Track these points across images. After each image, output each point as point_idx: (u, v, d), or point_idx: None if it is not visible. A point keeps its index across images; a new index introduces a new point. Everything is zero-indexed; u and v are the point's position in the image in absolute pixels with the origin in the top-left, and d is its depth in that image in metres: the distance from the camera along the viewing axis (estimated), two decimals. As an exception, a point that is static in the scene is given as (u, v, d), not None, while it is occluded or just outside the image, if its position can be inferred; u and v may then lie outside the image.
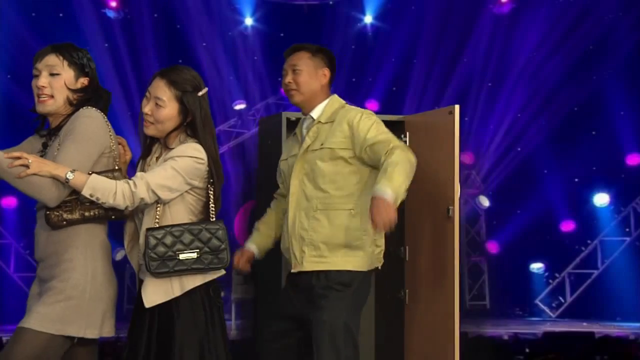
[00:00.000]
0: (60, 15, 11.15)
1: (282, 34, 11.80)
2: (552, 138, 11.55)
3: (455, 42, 11.63)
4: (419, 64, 11.75)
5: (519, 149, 11.75)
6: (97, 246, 2.98)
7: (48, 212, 2.89)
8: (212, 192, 3.03)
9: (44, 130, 3.13)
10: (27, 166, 2.81)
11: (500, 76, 11.74)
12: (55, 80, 3.06)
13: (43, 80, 3.06)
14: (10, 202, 11.20)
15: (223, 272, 3.04)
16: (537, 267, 11.85)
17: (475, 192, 11.89)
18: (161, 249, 2.91)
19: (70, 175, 2.83)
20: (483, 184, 11.93)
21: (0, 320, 9.83)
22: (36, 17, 10.90)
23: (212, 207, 3.03)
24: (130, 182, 2.91)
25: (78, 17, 11.10)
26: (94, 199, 2.86)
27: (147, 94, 3.07)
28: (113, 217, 2.99)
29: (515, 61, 11.70)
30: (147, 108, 3.04)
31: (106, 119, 3.05)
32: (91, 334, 2.91)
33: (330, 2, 11.89)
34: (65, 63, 3.13)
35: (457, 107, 3.95)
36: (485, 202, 11.90)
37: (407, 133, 4.37)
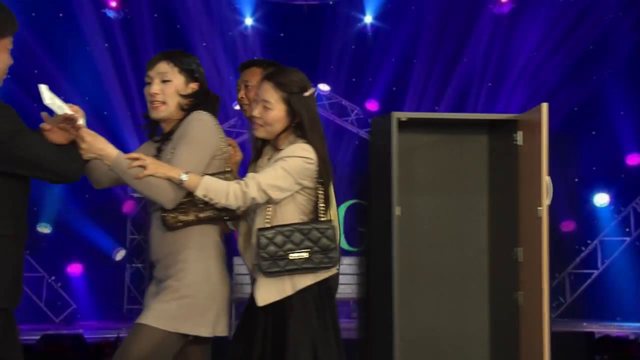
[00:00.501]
0: (60, 15, 11.16)
1: (282, 34, 11.81)
2: (552, 138, 11.52)
3: (455, 42, 11.63)
4: (419, 64, 11.75)
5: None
6: (210, 246, 3.04)
7: (164, 214, 2.97)
8: (321, 192, 3.06)
9: (157, 135, 3.20)
10: (144, 167, 2.89)
11: (500, 76, 11.74)
12: (167, 87, 3.11)
13: (155, 87, 3.11)
14: (10, 202, 11.20)
15: (334, 271, 3.08)
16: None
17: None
18: (272, 248, 2.96)
19: (184, 177, 2.90)
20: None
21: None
22: (36, 17, 10.91)
23: (321, 206, 3.06)
24: (242, 182, 2.97)
25: (78, 17, 11.11)
26: (207, 199, 2.93)
27: (256, 97, 3.14)
28: (226, 218, 3.05)
29: (515, 61, 11.70)
30: (256, 111, 3.09)
31: (216, 122, 3.10)
32: (204, 332, 2.96)
33: (330, 2, 11.89)
34: (176, 70, 3.15)
35: (544, 105, 3.91)
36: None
37: (521, 132, 4.27)
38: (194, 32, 11.48)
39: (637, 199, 11.66)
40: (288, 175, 2.97)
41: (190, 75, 3.18)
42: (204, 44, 11.59)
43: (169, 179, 2.90)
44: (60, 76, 11.13)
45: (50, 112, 2.93)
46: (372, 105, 11.98)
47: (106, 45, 11.33)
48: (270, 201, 2.99)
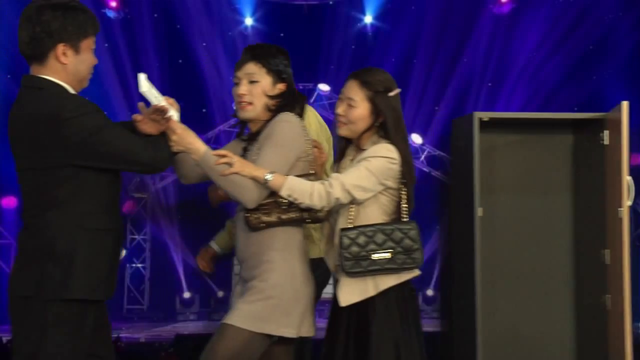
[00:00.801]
0: (60, 15, 11.15)
1: (282, 34, 11.79)
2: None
3: (455, 42, 11.62)
4: (419, 64, 11.74)
5: (519, 149, 11.76)
6: (294, 247, 3.07)
7: (247, 215, 3.01)
8: (404, 193, 3.06)
9: (245, 135, 3.25)
10: (230, 164, 2.93)
11: (500, 76, 11.74)
12: (254, 88, 3.14)
13: (243, 88, 3.14)
14: (10, 202, 11.21)
15: (417, 272, 3.09)
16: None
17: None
18: (355, 248, 2.97)
19: (269, 177, 2.94)
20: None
21: (0, 320, 9.83)
22: (36, 17, 10.89)
23: (404, 207, 3.06)
24: (326, 182, 2.99)
25: (78, 17, 11.10)
26: (291, 199, 2.96)
27: (341, 95, 3.16)
28: (308, 220, 3.07)
29: (515, 61, 11.69)
30: (340, 109, 3.12)
31: (303, 124, 3.14)
32: (289, 333, 3.00)
33: (330, 2, 11.88)
34: (264, 70, 3.18)
35: (624, 104, 3.88)
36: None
37: (607, 131, 4.23)
38: (194, 32, 11.47)
39: (637, 199, 11.64)
40: (371, 175, 2.99)
41: (277, 76, 3.19)
42: (204, 44, 11.58)
43: (254, 179, 2.94)
44: (60, 76, 11.14)
45: (147, 102, 2.99)
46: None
47: (106, 45, 11.32)
48: (354, 201, 3.02)
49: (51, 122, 2.69)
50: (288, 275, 3.00)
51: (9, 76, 10.94)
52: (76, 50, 2.82)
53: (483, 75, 11.78)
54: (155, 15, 11.42)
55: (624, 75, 11.31)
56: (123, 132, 2.85)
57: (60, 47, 2.81)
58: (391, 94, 3.10)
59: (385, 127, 3.08)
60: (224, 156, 2.95)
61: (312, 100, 11.99)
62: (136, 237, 11.60)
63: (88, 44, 2.86)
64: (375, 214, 3.04)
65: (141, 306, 11.18)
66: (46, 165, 2.74)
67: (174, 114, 2.97)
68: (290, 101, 3.17)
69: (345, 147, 3.21)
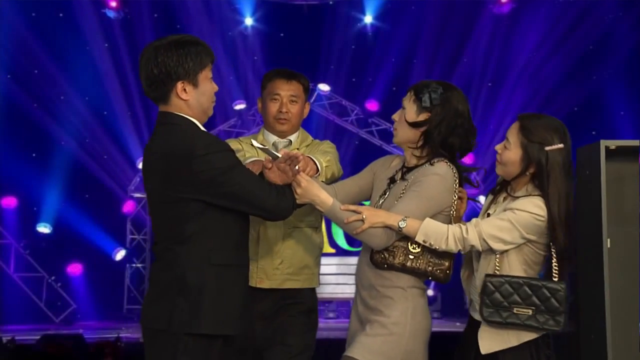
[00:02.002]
0: (60, 15, 11.16)
1: (282, 34, 11.81)
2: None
3: (455, 42, 11.64)
4: (419, 64, 11.75)
5: (519, 149, 11.76)
6: (416, 286, 3.05)
7: (374, 252, 3.01)
8: (554, 250, 2.95)
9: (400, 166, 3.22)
10: (362, 220, 2.92)
11: (500, 76, 11.75)
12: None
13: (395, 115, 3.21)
14: (10, 202, 11.21)
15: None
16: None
17: (474, 192, 11.89)
18: (497, 297, 2.91)
19: (402, 224, 2.91)
20: (483, 184, 11.92)
21: (0, 321, 9.84)
22: (36, 17, 10.91)
23: (555, 266, 2.95)
24: (464, 227, 2.93)
25: (78, 17, 11.11)
26: (427, 244, 2.92)
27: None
28: (430, 277, 3.02)
29: (515, 61, 11.70)
30: (497, 146, 3.08)
31: (456, 175, 3.06)
32: None
33: (330, 2, 11.89)
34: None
35: None
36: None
37: None
38: (194, 32, 11.46)
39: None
40: (514, 229, 2.90)
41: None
42: (204, 44, 11.58)
43: (387, 227, 2.93)
44: (60, 76, 11.14)
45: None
46: (372, 105, 11.97)
47: (106, 45, 11.33)
48: (492, 250, 2.94)
49: (183, 158, 2.76)
50: (409, 313, 3.00)
51: (9, 76, 10.94)
52: (195, 84, 2.88)
53: (483, 75, 11.79)
54: (155, 15, 11.43)
55: (624, 75, 11.32)
56: (252, 175, 2.92)
57: (180, 85, 2.86)
58: (548, 148, 2.93)
59: (538, 178, 2.95)
60: (353, 212, 2.94)
61: (312, 100, 12.01)
62: (136, 237, 11.60)
63: (205, 75, 2.91)
64: (515, 263, 2.95)
65: (141, 306, 11.18)
66: (176, 200, 2.81)
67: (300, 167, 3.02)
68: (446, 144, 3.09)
69: (505, 182, 3.10)
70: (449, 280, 3.04)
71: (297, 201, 3.00)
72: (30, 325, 9.92)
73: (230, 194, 2.80)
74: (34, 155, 11.18)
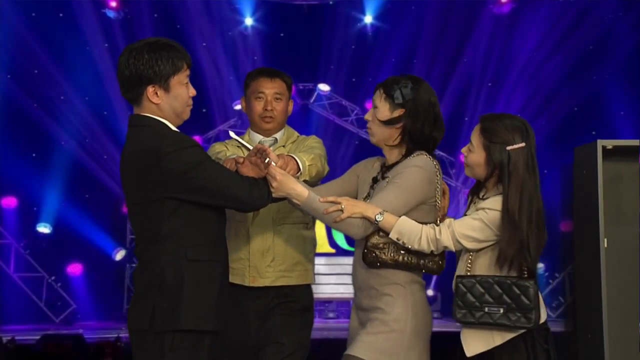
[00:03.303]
0: (60, 15, 11.16)
1: (282, 34, 11.80)
2: (552, 138, 11.56)
3: (455, 42, 11.63)
4: (419, 64, 11.75)
5: (519, 149, 11.76)
6: (415, 281, 3.03)
7: (365, 251, 3.00)
8: (517, 248, 2.89)
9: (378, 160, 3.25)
10: (341, 210, 2.93)
11: (500, 76, 11.74)
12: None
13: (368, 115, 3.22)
14: (10, 202, 11.21)
15: (545, 317, 2.94)
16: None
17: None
18: (469, 298, 2.90)
19: (379, 218, 2.91)
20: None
21: (0, 320, 9.84)
22: (36, 17, 10.91)
23: (523, 264, 2.91)
24: (437, 228, 2.93)
25: (78, 17, 11.11)
26: (400, 243, 2.92)
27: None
28: (424, 270, 3.01)
29: (515, 61, 11.70)
30: (464, 148, 3.07)
31: (437, 166, 3.05)
32: None
33: (330, 2, 11.89)
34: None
35: None
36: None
37: None
38: (194, 32, 11.47)
39: None
40: (486, 227, 2.90)
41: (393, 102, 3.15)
42: (204, 44, 11.58)
43: (365, 218, 2.93)
44: (60, 76, 11.14)
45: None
46: (371, 105, 11.96)
47: (106, 45, 11.33)
48: (466, 251, 2.94)
49: (152, 157, 2.76)
50: (410, 310, 2.97)
51: (9, 76, 10.94)
52: (166, 89, 2.87)
53: (483, 75, 11.79)
54: (155, 15, 11.43)
55: (624, 75, 11.32)
56: (222, 168, 2.93)
57: (150, 89, 2.85)
58: (509, 147, 2.92)
59: (501, 178, 2.94)
60: (332, 203, 2.95)
61: (312, 100, 12.01)
62: (136, 237, 11.59)
63: (179, 80, 2.90)
64: (487, 262, 2.93)
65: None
66: (149, 200, 2.81)
67: (273, 160, 3.00)
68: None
69: (479, 184, 3.07)
70: (443, 269, 3.03)
71: (274, 195, 2.98)
72: (30, 325, 9.92)
73: (201, 188, 2.79)
74: (34, 155, 11.17)
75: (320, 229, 11.67)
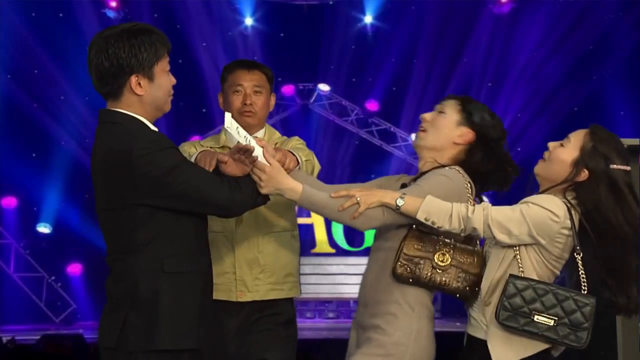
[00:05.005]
0: (60, 15, 11.16)
1: (282, 34, 11.81)
2: (552, 138, 11.47)
3: (455, 42, 11.64)
4: (419, 64, 11.76)
5: (518, 149, 11.76)
6: (424, 305, 2.76)
7: (399, 263, 2.70)
8: (579, 260, 2.66)
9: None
10: (358, 204, 2.64)
11: (500, 76, 11.75)
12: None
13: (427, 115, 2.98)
14: (10, 202, 11.21)
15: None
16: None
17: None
18: (518, 301, 2.61)
19: (400, 202, 2.63)
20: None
21: (0, 320, 9.84)
22: (36, 17, 10.91)
23: (582, 276, 2.66)
24: (470, 207, 2.63)
25: (78, 17, 11.12)
26: (429, 223, 2.62)
27: None
28: (457, 296, 2.72)
29: (515, 61, 11.71)
30: (552, 143, 2.88)
31: (468, 183, 2.78)
32: None
33: (330, 2, 11.89)
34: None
35: None
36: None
37: None
38: (194, 32, 11.48)
39: (637, 199, 11.63)
40: (524, 222, 2.60)
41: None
42: (204, 44, 11.58)
43: (385, 205, 2.64)
44: (60, 76, 11.14)
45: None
46: (372, 105, 11.97)
47: (106, 45, 11.32)
48: (495, 241, 2.65)
49: (123, 159, 2.49)
50: (413, 335, 2.70)
51: (9, 76, 10.94)
52: (150, 78, 2.60)
53: (483, 75, 11.79)
54: (155, 15, 11.43)
55: (624, 75, 11.32)
56: (200, 171, 2.64)
57: (134, 79, 2.58)
58: (614, 166, 2.67)
59: (581, 187, 2.68)
60: (345, 197, 2.66)
61: (312, 100, 12.02)
62: (136, 237, 11.59)
63: (162, 67, 2.65)
64: (530, 269, 2.67)
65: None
66: (121, 206, 2.53)
67: (260, 154, 2.69)
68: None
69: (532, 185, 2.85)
70: (476, 299, 2.72)
71: (263, 191, 2.67)
72: (30, 325, 9.92)
73: (179, 193, 2.52)
74: (34, 155, 11.18)
75: (319, 229, 11.67)
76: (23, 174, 10.79)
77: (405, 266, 2.69)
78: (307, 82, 11.87)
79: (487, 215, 2.61)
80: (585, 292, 2.64)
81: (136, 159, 2.47)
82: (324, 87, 11.83)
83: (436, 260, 2.69)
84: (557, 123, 11.58)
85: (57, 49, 11.02)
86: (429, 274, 2.69)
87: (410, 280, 2.68)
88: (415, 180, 2.84)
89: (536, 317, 2.60)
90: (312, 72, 11.73)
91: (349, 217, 2.65)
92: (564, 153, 2.74)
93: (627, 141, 3.91)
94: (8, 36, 10.65)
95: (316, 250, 11.31)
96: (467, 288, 2.70)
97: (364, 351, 2.71)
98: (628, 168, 2.67)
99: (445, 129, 2.85)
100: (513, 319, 2.60)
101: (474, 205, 2.67)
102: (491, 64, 11.72)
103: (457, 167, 2.79)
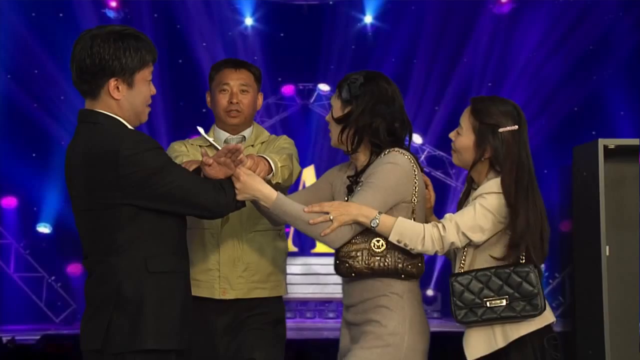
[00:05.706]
0: (60, 15, 11.15)
1: (282, 34, 11.80)
2: (552, 138, 11.56)
3: (455, 42, 11.63)
4: (419, 64, 11.75)
5: (519, 149, 11.77)
6: (412, 293, 2.82)
7: (337, 262, 2.77)
8: (513, 233, 2.71)
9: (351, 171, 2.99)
10: (330, 220, 2.69)
11: (500, 76, 11.74)
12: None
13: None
14: (10, 202, 11.21)
15: (553, 318, 2.77)
16: (537, 267, 11.83)
17: (475, 192, 11.89)
18: (468, 296, 2.69)
19: (375, 223, 2.68)
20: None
21: (0, 320, 9.84)
22: (36, 17, 10.91)
23: (518, 249, 2.72)
24: (439, 225, 2.70)
25: (78, 17, 11.10)
26: (401, 245, 2.68)
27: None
28: (403, 275, 2.76)
29: (515, 61, 11.70)
30: (452, 133, 2.89)
31: (412, 161, 2.83)
32: None
33: (330, 2, 11.89)
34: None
35: None
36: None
37: None
38: (194, 32, 11.48)
39: None
40: (488, 212, 2.68)
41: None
42: (204, 44, 11.58)
43: (358, 224, 2.70)
44: (60, 76, 11.12)
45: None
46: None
47: (106, 45, 11.32)
48: (471, 244, 2.72)
49: (108, 159, 2.48)
50: (407, 323, 2.76)
51: (9, 76, 10.94)
52: (129, 84, 2.59)
53: (483, 75, 11.78)
54: (155, 15, 11.42)
55: (624, 75, 11.32)
56: (185, 172, 2.67)
57: (112, 82, 2.57)
58: (502, 129, 2.76)
59: (496, 162, 2.76)
60: (318, 211, 2.70)
61: (312, 100, 12.01)
62: (136, 237, 11.59)
63: (144, 75, 2.62)
64: (485, 258, 2.73)
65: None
66: (103, 206, 2.53)
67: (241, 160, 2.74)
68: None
69: (469, 187, 2.88)
70: (423, 272, 2.80)
71: (238, 197, 2.70)
72: (30, 325, 9.92)
73: (164, 195, 2.53)
74: (34, 155, 11.17)
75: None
76: (23, 174, 10.79)
77: (344, 262, 2.75)
78: (307, 82, 11.87)
79: (457, 225, 2.68)
80: (524, 261, 2.69)
81: (122, 159, 2.48)
82: (324, 87, 11.83)
83: (373, 248, 2.74)
84: (557, 123, 11.59)
85: (57, 49, 11.00)
86: (367, 263, 2.74)
87: (353, 274, 2.75)
88: (357, 179, 2.87)
89: (488, 303, 2.67)
90: (312, 72, 11.73)
91: (319, 232, 2.70)
92: (463, 140, 2.82)
93: (627, 141, 3.89)
94: (8, 36, 10.64)
95: (316, 250, 11.32)
96: (409, 267, 2.76)
97: (363, 345, 2.76)
98: (515, 127, 2.79)
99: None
100: (470, 313, 2.69)
101: (438, 222, 2.73)
102: (491, 64, 11.71)
103: (394, 149, 2.83)
